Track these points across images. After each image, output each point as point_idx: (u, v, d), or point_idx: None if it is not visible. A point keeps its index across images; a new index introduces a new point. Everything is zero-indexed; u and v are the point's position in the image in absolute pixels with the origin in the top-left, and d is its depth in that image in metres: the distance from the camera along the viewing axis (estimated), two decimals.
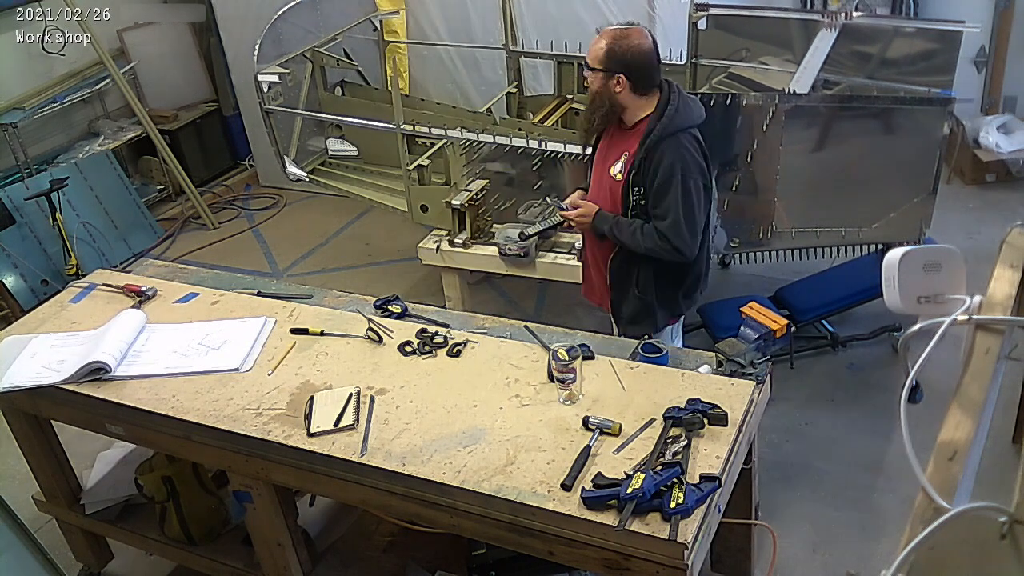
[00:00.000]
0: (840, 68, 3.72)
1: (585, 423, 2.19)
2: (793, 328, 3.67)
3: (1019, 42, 5.31)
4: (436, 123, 3.97)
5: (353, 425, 2.30)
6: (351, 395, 2.39)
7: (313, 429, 2.30)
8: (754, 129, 3.35)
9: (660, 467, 2.02)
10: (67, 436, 3.06)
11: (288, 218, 5.92)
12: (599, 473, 2.03)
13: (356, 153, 4.74)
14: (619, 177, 2.75)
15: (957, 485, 1.15)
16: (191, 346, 2.70)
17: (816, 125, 3.47)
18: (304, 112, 4.56)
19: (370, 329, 2.67)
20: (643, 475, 1.96)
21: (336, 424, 2.31)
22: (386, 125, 4.00)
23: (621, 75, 2.65)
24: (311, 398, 2.41)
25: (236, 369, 2.58)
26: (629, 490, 1.93)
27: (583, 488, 1.99)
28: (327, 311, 2.84)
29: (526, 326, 2.69)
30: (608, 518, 1.93)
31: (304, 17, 4.75)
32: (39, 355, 2.74)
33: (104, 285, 3.09)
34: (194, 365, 2.61)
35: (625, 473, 2.01)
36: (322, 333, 2.70)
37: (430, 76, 5.45)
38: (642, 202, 2.73)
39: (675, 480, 1.97)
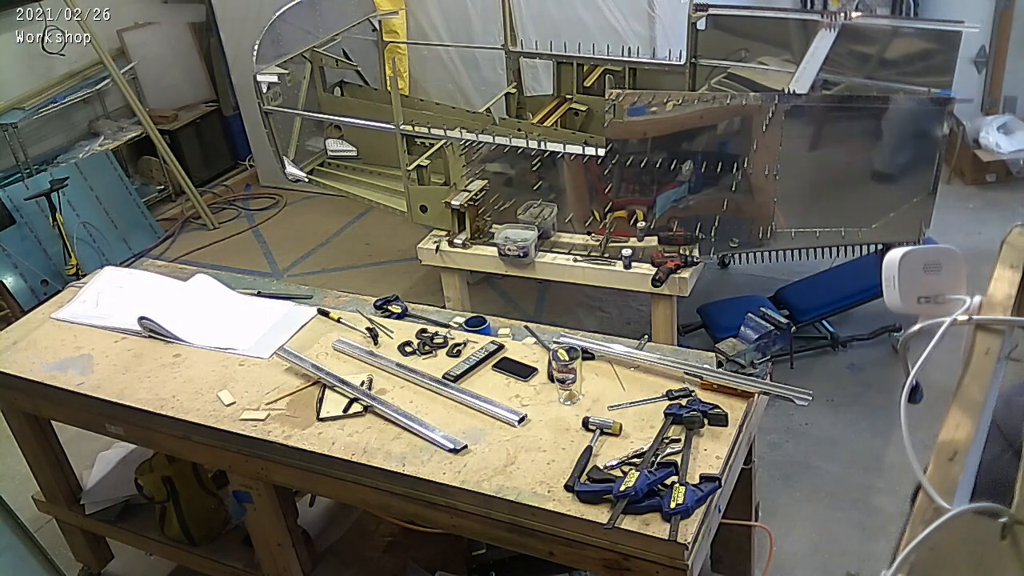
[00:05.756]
0: (839, 68, 3.72)
1: (585, 423, 2.19)
2: (793, 328, 3.67)
3: (1019, 42, 5.31)
4: (435, 123, 3.97)
5: (362, 412, 2.32)
6: (363, 382, 2.42)
7: (323, 415, 2.33)
8: (753, 129, 3.35)
9: (655, 466, 2.02)
10: (67, 436, 3.06)
11: (288, 218, 5.93)
12: (595, 467, 2.03)
13: (355, 153, 4.74)
14: None
15: (957, 485, 1.15)
16: (233, 322, 2.80)
17: (815, 125, 3.46)
18: (303, 112, 4.56)
19: (370, 329, 2.68)
20: (637, 473, 1.96)
21: (345, 411, 2.33)
22: (385, 125, 4.00)
23: None
24: (323, 386, 2.43)
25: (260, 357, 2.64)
26: (622, 488, 1.93)
27: (577, 481, 1.99)
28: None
29: (526, 326, 2.69)
30: (607, 517, 1.93)
31: (303, 18, 4.75)
32: (104, 293, 2.98)
33: None
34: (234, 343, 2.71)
35: (621, 471, 2.01)
36: (339, 320, 2.75)
37: (430, 76, 5.45)
38: None
39: (674, 480, 1.98)
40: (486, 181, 3.85)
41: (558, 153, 3.62)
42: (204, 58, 6.46)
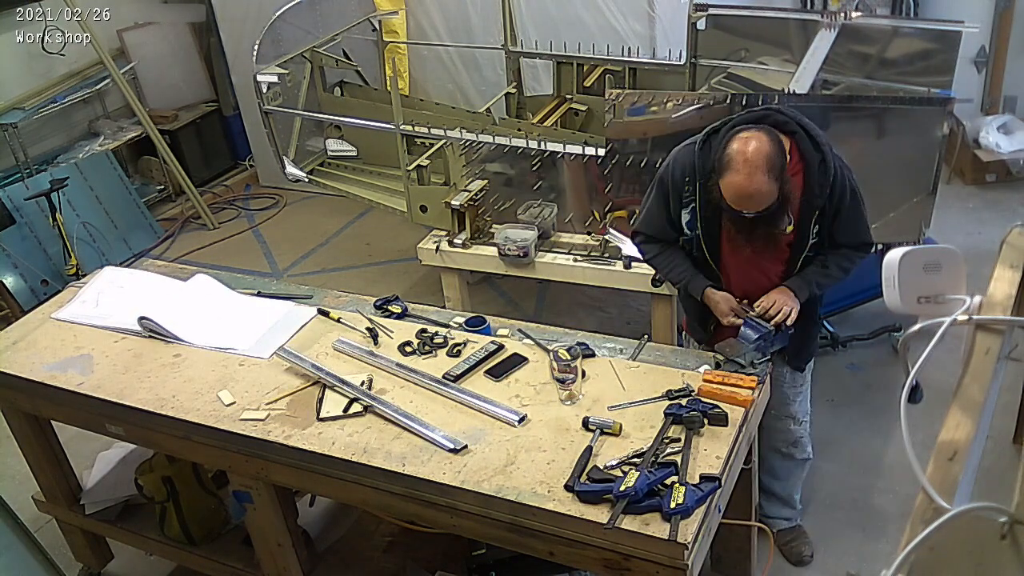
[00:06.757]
0: (839, 68, 3.72)
1: (585, 423, 2.19)
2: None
3: (1019, 42, 5.31)
4: (435, 123, 3.97)
5: (362, 412, 2.33)
6: (363, 382, 2.43)
7: (323, 415, 2.34)
8: None
9: (655, 466, 2.02)
10: (67, 436, 3.06)
11: (288, 218, 5.92)
12: (595, 467, 2.03)
13: (355, 153, 4.74)
14: (790, 229, 2.48)
15: (957, 485, 1.15)
16: (233, 322, 2.80)
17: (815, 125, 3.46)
18: (303, 112, 4.56)
19: (370, 329, 2.67)
20: (637, 473, 1.96)
21: (345, 411, 2.34)
22: (385, 125, 4.00)
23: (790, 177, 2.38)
24: (323, 386, 2.43)
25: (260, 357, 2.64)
26: (622, 488, 1.93)
27: (577, 481, 1.99)
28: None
29: (520, 329, 2.69)
30: (607, 517, 1.93)
31: (303, 18, 4.75)
32: (104, 293, 2.98)
33: None
34: (232, 342, 2.71)
35: (621, 471, 2.01)
36: (339, 320, 2.75)
37: (430, 76, 5.45)
38: (816, 238, 2.52)
39: (674, 480, 1.98)
40: (486, 181, 3.84)
41: (558, 153, 3.61)
42: (204, 58, 6.46)
